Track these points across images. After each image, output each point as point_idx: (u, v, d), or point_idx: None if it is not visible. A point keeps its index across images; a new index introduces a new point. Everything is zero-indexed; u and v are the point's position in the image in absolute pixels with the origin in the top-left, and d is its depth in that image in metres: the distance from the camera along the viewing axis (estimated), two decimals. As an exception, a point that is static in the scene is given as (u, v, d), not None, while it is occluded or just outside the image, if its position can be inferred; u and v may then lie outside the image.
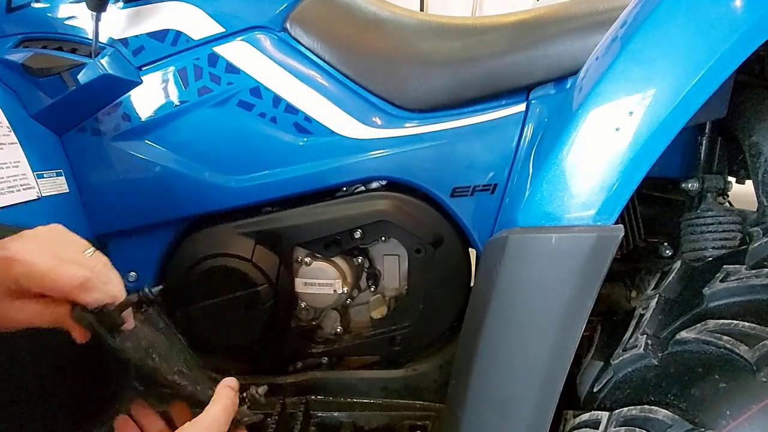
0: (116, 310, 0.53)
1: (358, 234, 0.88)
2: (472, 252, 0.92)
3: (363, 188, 0.89)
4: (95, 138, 0.85)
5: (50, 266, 0.48)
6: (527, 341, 0.60)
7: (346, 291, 0.89)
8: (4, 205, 0.72)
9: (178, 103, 0.84)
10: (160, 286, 0.58)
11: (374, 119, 0.84)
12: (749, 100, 0.68)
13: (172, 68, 0.83)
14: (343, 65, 0.84)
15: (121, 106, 0.84)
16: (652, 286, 0.68)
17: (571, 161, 0.58)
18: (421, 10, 3.16)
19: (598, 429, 0.54)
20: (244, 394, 0.61)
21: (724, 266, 0.56)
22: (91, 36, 0.80)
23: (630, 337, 0.60)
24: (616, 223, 0.55)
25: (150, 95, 0.84)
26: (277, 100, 0.84)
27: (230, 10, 0.83)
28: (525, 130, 0.80)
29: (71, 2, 0.82)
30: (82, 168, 0.86)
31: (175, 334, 0.64)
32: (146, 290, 0.58)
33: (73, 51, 0.82)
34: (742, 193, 0.78)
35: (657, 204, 0.85)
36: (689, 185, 0.71)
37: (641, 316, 0.61)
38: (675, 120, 0.52)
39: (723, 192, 0.73)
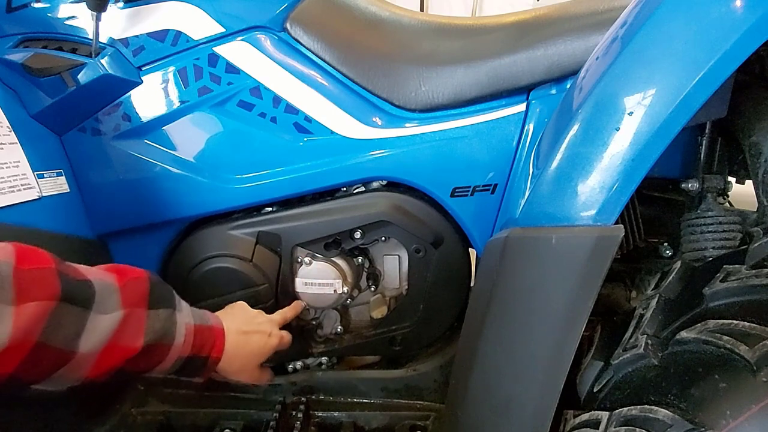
0: None
1: (358, 234, 0.88)
2: (472, 252, 0.92)
3: (363, 188, 0.89)
4: (95, 138, 0.86)
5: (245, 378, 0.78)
6: (527, 341, 0.60)
7: (346, 291, 0.89)
8: (5, 205, 0.72)
9: (178, 103, 0.84)
10: None
11: (374, 119, 0.84)
12: (749, 100, 0.68)
13: (172, 68, 0.83)
14: (343, 65, 0.84)
15: (121, 106, 0.84)
16: (652, 286, 0.67)
17: (571, 161, 0.58)
18: (421, 10, 3.16)
19: (598, 429, 0.53)
20: None
21: (724, 266, 0.56)
22: (91, 36, 0.80)
23: (630, 337, 0.59)
24: (616, 223, 0.55)
25: (150, 95, 0.84)
26: (277, 100, 0.84)
27: (230, 10, 0.83)
28: (525, 130, 0.79)
29: (71, 2, 0.82)
30: (83, 168, 0.86)
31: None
32: None
33: (73, 51, 0.82)
34: (742, 193, 0.78)
35: (657, 204, 0.85)
36: (689, 185, 0.70)
37: (641, 316, 0.61)
38: (675, 120, 0.52)
39: (723, 192, 0.72)
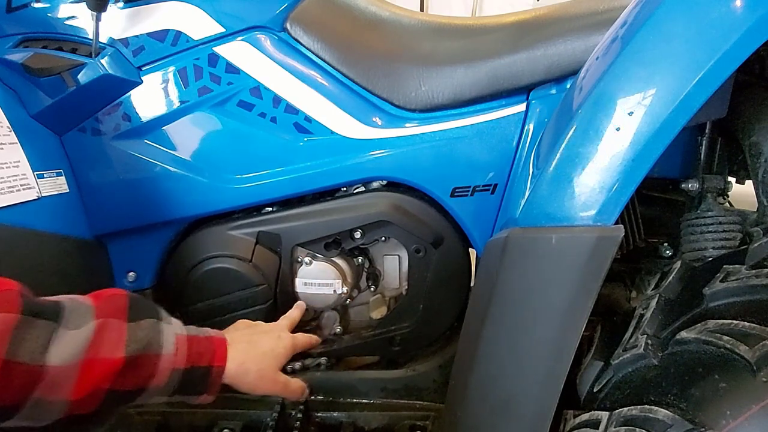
0: None
1: (358, 234, 0.88)
2: (472, 252, 0.92)
3: (363, 188, 0.89)
4: (95, 138, 0.85)
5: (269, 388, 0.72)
6: (527, 341, 0.60)
7: (346, 291, 0.89)
8: (4, 205, 0.72)
9: (178, 103, 0.84)
10: None
11: (374, 119, 0.84)
12: (749, 100, 0.68)
13: (172, 68, 0.83)
14: (343, 65, 0.84)
15: (121, 106, 0.84)
16: (652, 286, 0.67)
17: (571, 161, 0.58)
18: (421, 10, 3.16)
19: (598, 429, 0.53)
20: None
21: (724, 266, 0.56)
22: (91, 36, 0.80)
23: (630, 337, 0.59)
24: (616, 223, 0.55)
25: (150, 95, 0.84)
26: (277, 100, 0.84)
27: (230, 10, 0.83)
28: (525, 130, 0.80)
29: (71, 2, 0.82)
30: (82, 168, 0.86)
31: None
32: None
33: (73, 51, 0.82)
34: (742, 193, 0.78)
35: (657, 204, 0.85)
36: (689, 185, 0.70)
37: (641, 316, 0.61)
38: (675, 120, 0.52)
39: (723, 192, 0.72)
